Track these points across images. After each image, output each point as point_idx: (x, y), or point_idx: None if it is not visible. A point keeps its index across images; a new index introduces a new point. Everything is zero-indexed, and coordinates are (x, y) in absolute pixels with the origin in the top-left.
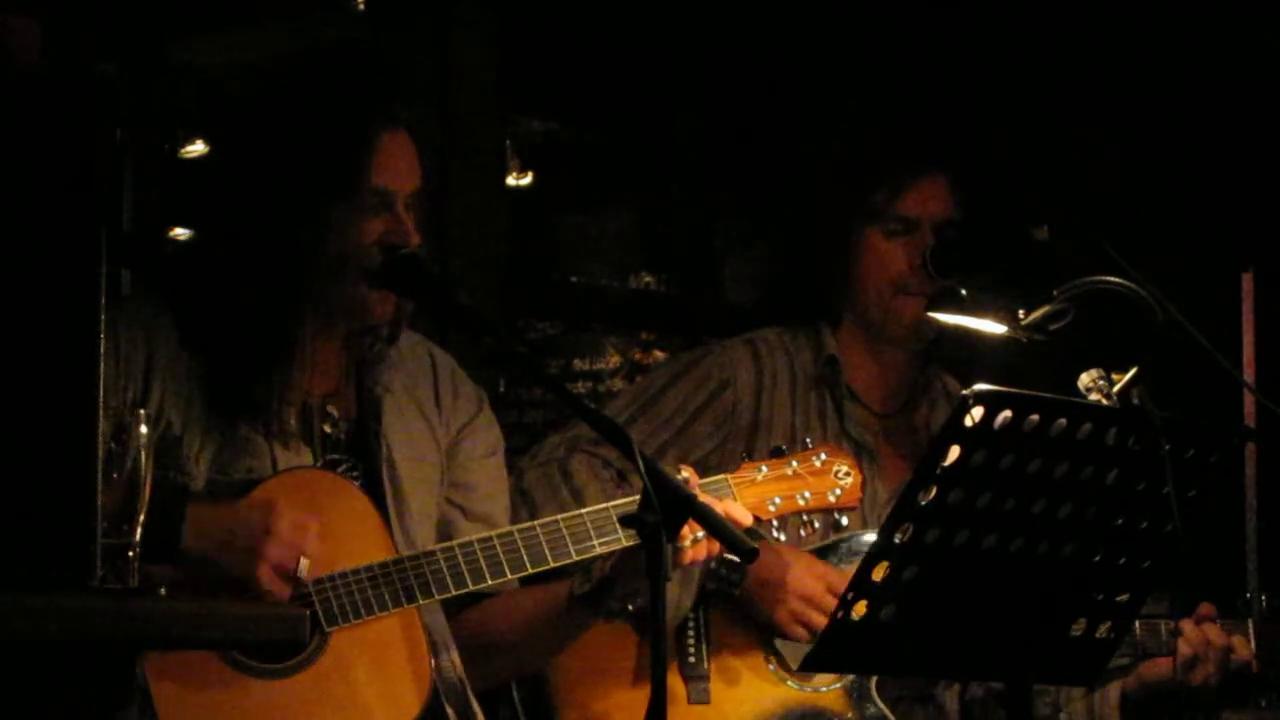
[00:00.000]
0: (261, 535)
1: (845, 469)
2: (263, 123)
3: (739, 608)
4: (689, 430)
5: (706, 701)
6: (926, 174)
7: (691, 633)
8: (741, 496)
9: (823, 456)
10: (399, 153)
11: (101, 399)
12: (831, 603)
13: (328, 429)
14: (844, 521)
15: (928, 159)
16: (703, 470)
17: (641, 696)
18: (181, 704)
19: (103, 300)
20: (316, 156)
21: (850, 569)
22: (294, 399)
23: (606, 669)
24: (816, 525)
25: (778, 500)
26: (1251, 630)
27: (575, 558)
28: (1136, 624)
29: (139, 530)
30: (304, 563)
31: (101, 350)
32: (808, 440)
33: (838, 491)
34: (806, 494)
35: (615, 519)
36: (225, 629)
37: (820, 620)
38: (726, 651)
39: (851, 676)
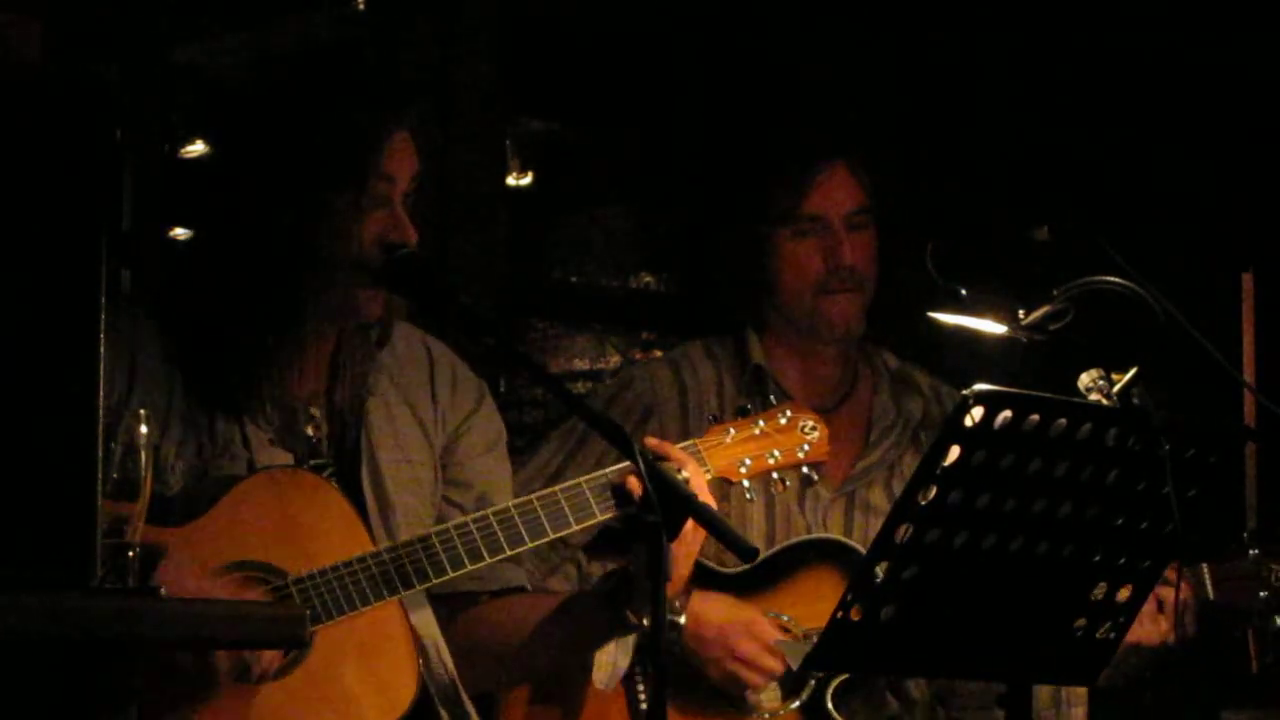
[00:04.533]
0: None
1: (811, 423)
2: (271, 113)
3: (678, 664)
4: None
5: None
6: (825, 167)
7: (640, 678)
8: (712, 461)
9: (788, 413)
10: (403, 151)
11: (101, 399)
12: (769, 662)
13: (310, 430)
14: (814, 476)
15: (822, 151)
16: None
17: None
18: (170, 708)
19: (103, 300)
20: (326, 147)
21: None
22: (280, 399)
23: (554, 699)
24: (788, 483)
25: (748, 462)
26: (1207, 573)
27: (575, 527)
28: None
29: (139, 530)
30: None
31: (101, 350)
32: (772, 398)
33: (806, 447)
34: (776, 453)
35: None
36: (225, 629)
37: (756, 679)
38: (678, 692)
39: (805, 695)
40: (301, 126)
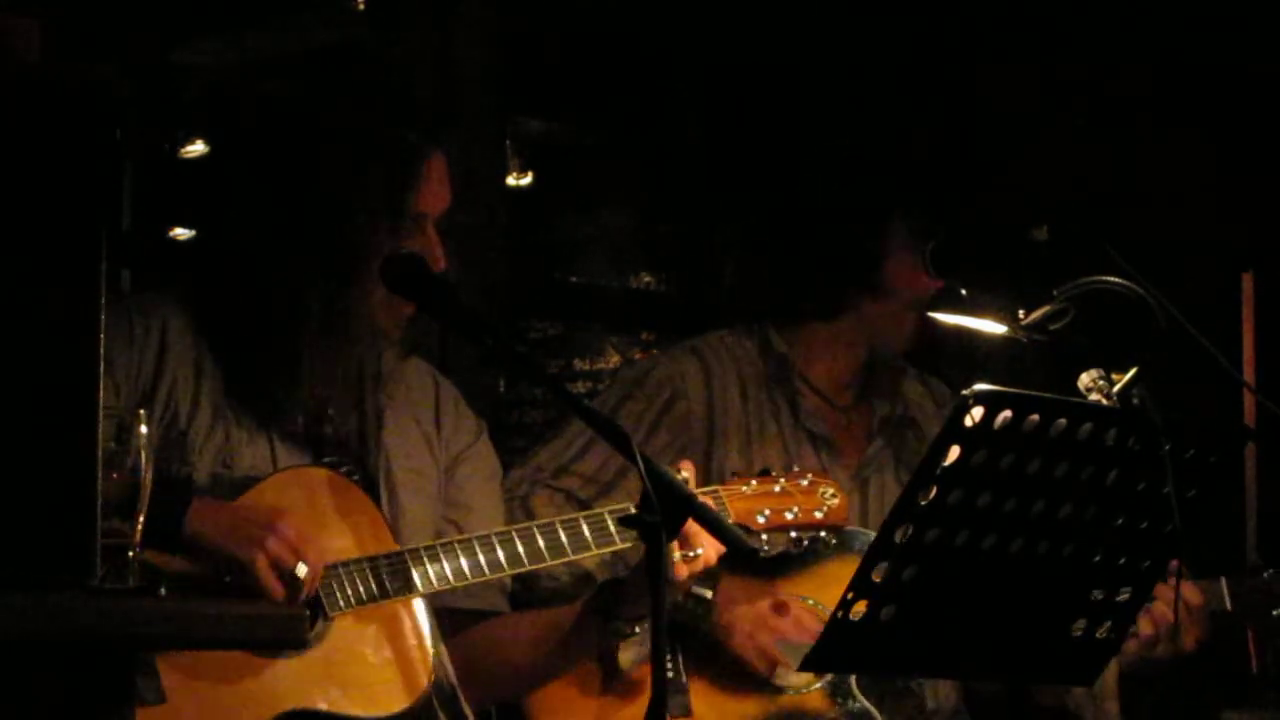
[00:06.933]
0: (265, 528)
1: (831, 491)
2: (306, 141)
3: (706, 640)
4: (649, 444)
5: (688, 714)
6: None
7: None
8: (731, 504)
9: (809, 478)
10: (438, 177)
11: (102, 399)
12: (802, 640)
13: (328, 430)
14: (832, 540)
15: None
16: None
17: None
18: (189, 680)
19: (103, 300)
20: (365, 182)
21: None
22: (301, 402)
23: (576, 700)
24: (805, 542)
25: (766, 512)
26: (1225, 587)
27: (596, 550)
28: None
29: (139, 530)
30: (303, 568)
31: (101, 350)
32: (794, 466)
33: (824, 509)
34: (795, 509)
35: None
36: (226, 630)
37: (787, 657)
38: (704, 663)
39: (830, 675)
40: (347, 150)
